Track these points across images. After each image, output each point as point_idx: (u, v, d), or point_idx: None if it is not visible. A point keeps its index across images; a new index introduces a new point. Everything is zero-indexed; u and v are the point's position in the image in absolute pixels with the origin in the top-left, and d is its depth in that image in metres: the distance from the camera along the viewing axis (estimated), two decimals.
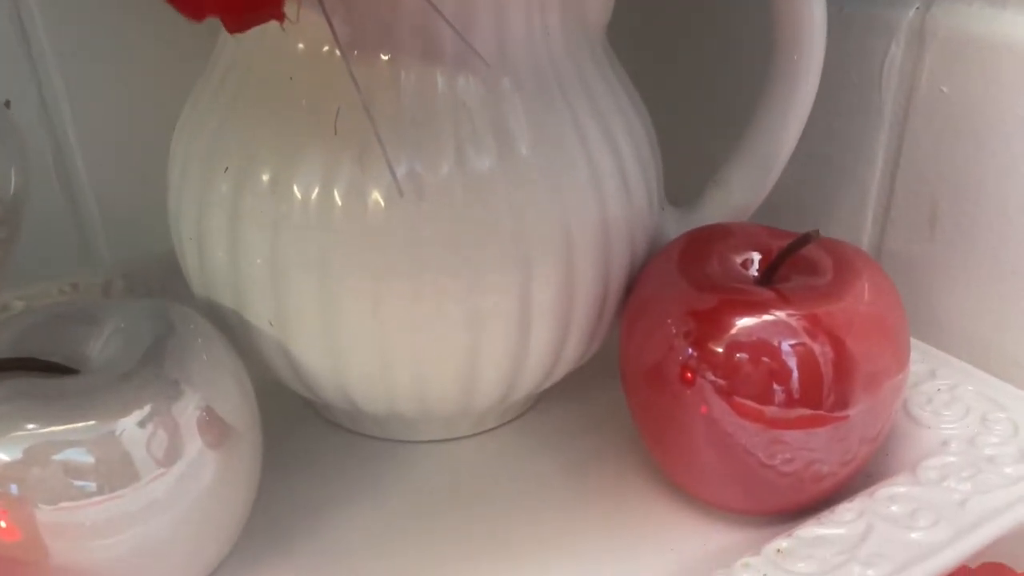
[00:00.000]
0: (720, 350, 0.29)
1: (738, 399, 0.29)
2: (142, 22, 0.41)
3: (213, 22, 0.22)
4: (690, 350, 0.29)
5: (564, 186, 0.29)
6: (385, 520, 0.33)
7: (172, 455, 0.26)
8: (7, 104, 0.31)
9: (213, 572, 0.30)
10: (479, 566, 0.31)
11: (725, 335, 0.29)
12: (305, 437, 0.37)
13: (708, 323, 0.29)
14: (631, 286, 0.33)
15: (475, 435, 0.37)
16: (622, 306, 0.33)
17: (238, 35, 0.27)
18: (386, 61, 0.27)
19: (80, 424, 0.25)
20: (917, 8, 0.36)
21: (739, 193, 0.35)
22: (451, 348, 0.30)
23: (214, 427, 0.27)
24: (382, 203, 0.28)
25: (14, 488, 0.25)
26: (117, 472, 0.25)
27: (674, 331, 0.30)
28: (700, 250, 0.32)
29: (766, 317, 0.29)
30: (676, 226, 0.35)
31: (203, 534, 0.28)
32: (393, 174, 0.27)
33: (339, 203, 0.28)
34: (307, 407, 0.38)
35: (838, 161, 0.41)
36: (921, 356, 0.35)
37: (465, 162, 0.28)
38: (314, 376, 0.31)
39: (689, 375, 0.30)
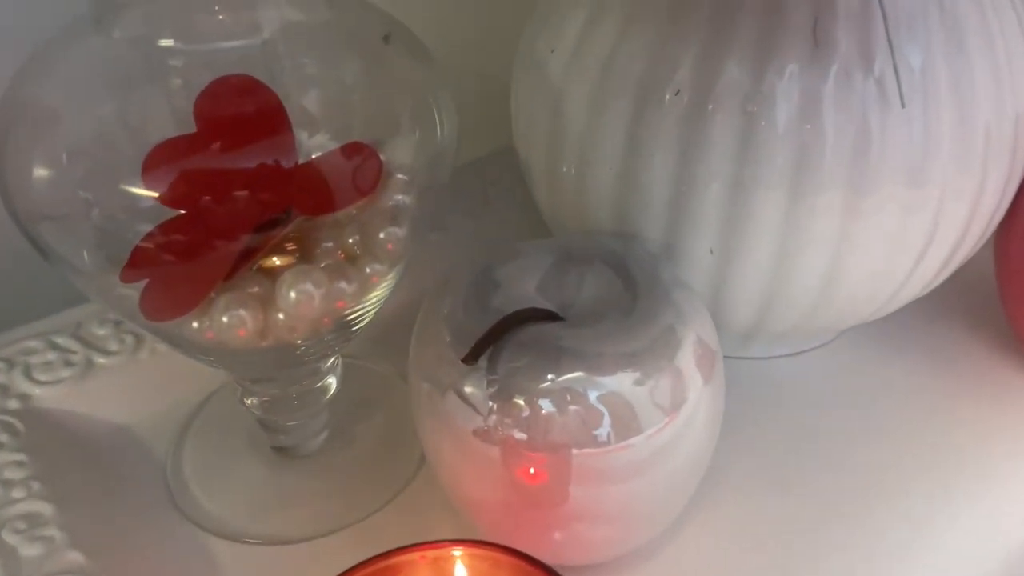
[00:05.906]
0: None
1: None
2: None
3: None
4: None
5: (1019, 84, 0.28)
6: (767, 428, 0.34)
7: (677, 401, 0.26)
8: (386, 39, 0.29)
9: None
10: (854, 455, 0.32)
11: None
12: None
13: None
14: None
15: (812, 349, 0.37)
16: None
17: None
18: None
19: (587, 376, 0.25)
20: None
21: None
22: (905, 256, 0.30)
23: (706, 359, 0.26)
24: (868, 113, 0.27)
25: (548, 436, 0.24)
26: (625, 422, 0.25)
27: None
28: None
29: None
30: None
31: (693, 472, 0.28)
32: (899, 82, 0.26)
33: (826, 114, 0.27)
34: None
35: None
36: None
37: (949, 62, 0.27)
38: (736, 300, 0.31)
39: None
